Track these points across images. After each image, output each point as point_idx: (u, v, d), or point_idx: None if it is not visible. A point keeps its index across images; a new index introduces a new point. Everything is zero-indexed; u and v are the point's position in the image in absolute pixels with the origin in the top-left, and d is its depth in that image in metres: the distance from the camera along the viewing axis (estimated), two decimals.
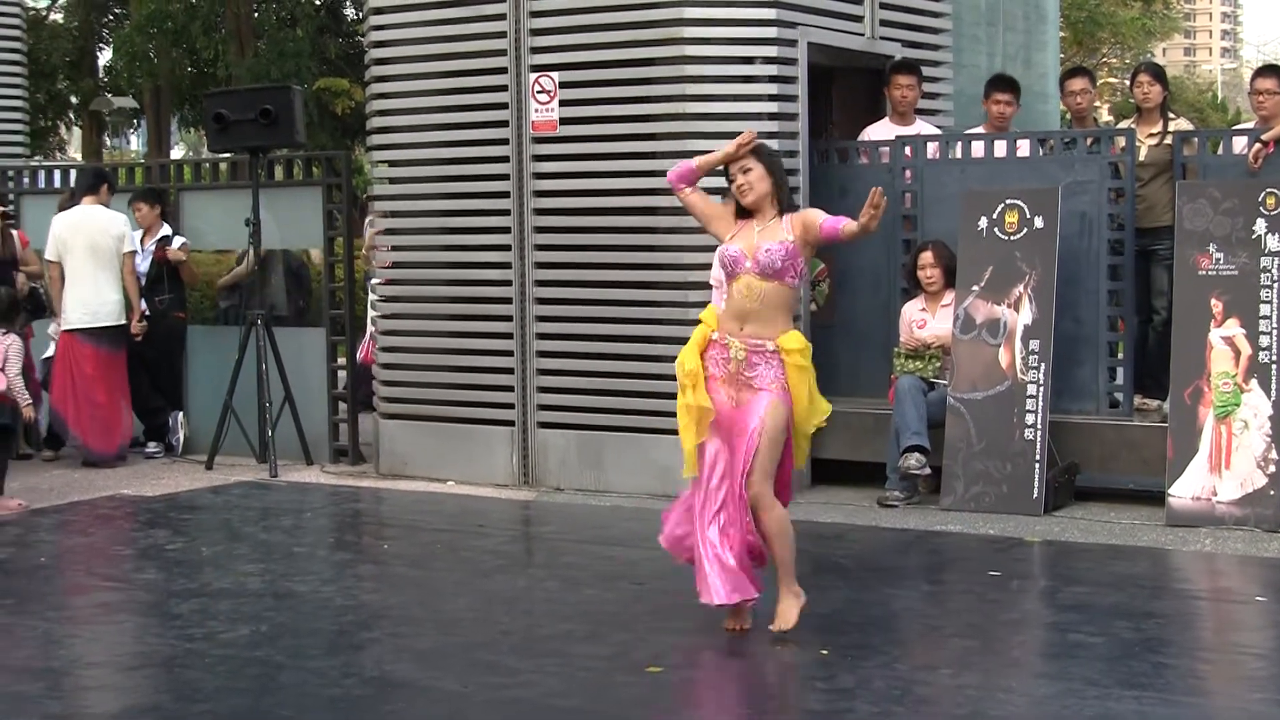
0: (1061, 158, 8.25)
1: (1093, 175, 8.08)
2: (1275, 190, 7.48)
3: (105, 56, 27.80)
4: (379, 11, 9.19)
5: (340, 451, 9.67)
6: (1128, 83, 11.81)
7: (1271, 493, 7.21)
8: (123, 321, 9.71)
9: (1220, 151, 8.02)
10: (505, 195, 8.70)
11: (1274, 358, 7.34)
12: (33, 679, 5.13)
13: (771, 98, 8.26)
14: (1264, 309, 7.40)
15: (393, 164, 9.27)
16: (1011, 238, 7.98)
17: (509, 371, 8.75)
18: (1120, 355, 8.28)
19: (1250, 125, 8.49)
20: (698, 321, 5.55)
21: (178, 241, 10.07)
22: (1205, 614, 6.13)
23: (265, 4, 24.78)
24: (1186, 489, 7.36)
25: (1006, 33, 10.85)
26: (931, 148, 8.56)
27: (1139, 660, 5.09)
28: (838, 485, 8.29)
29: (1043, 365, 7.80)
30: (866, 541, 7.21)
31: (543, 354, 8.65)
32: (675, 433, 5.58)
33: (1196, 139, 8.21)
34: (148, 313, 9.87)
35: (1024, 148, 8.37)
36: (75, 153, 33.05)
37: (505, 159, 8.68)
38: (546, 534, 7.88)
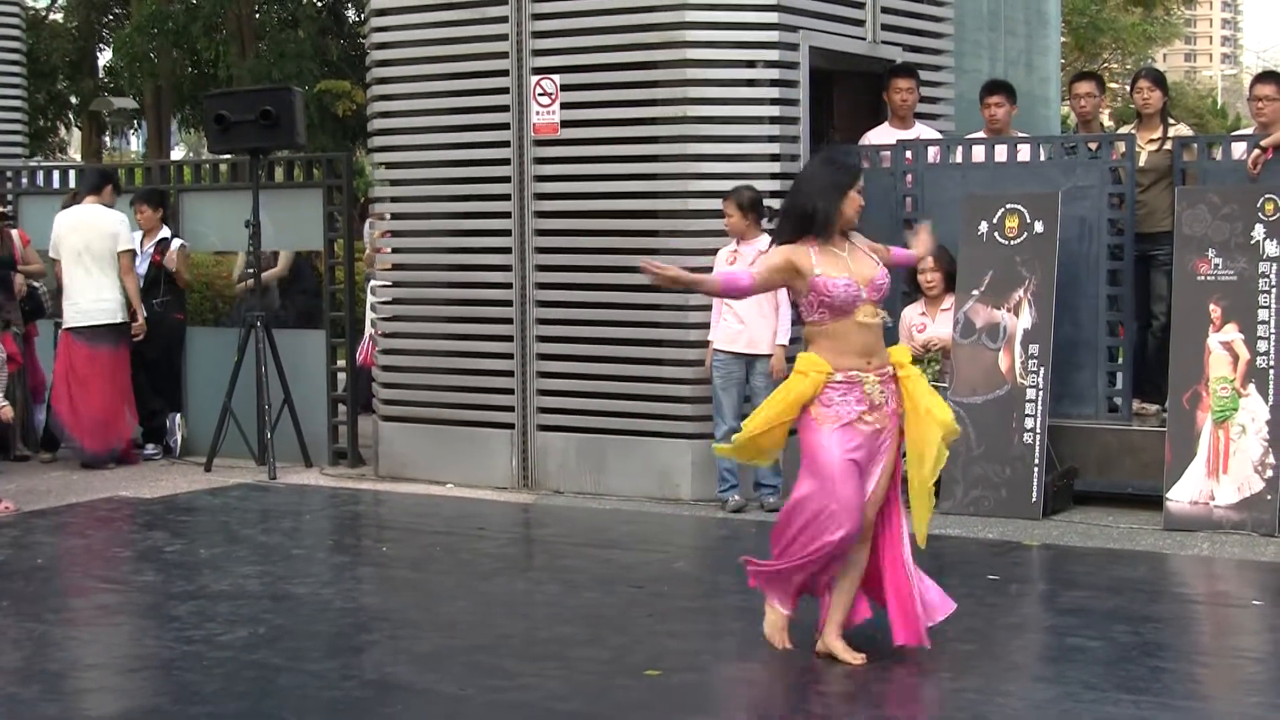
0: (1062, 163, 8.27)
1: (1093, 180, 8.09)
2: (1274, 196, 7.49)
3: (105, 57, 27.76)
4: (381, 13, 9.19)
5: (339, 454, 9.66)
6: (1128, 88, 11.82)
7: (1269, 497, 7.22)
8: (119, 320, 9.63)
9: (1220, 157, 8.03)
10: (506, 198, 8.70)
11: (1272, 363, 7.35)
12: (30, 681, 5.12)
13: (773, 101, 8.28)
14: (1262, 314, 7.41)
15: (393, 166, 9.27)
16: (1012, 242, 7.99)
17: (509, 374, 8.75)
18: (1119, 360, 8.29)
19: (1250, 131, 8.50)
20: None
21: (176, 244, 10.06)
22: (1203, 618, 6.14)
23: (267, 5, 24.78)
24: (1184, 493, 7.36)
25: (1008, 37, 10.86)
26: (932, 152, 8.57)
27: (1137, 664, 5.10)
28: None
29: (1042, 369, 7.80)
30: None
31: (543, 356, 8.65)
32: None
33: (1196, 145, 8.22)
34: (145, 315, 9.85)
35: (1024, 152, 8.38)
36: (75, 153, 32.99)
37: (506, 161, 8.68)
38: (546, 537, 7.87)
